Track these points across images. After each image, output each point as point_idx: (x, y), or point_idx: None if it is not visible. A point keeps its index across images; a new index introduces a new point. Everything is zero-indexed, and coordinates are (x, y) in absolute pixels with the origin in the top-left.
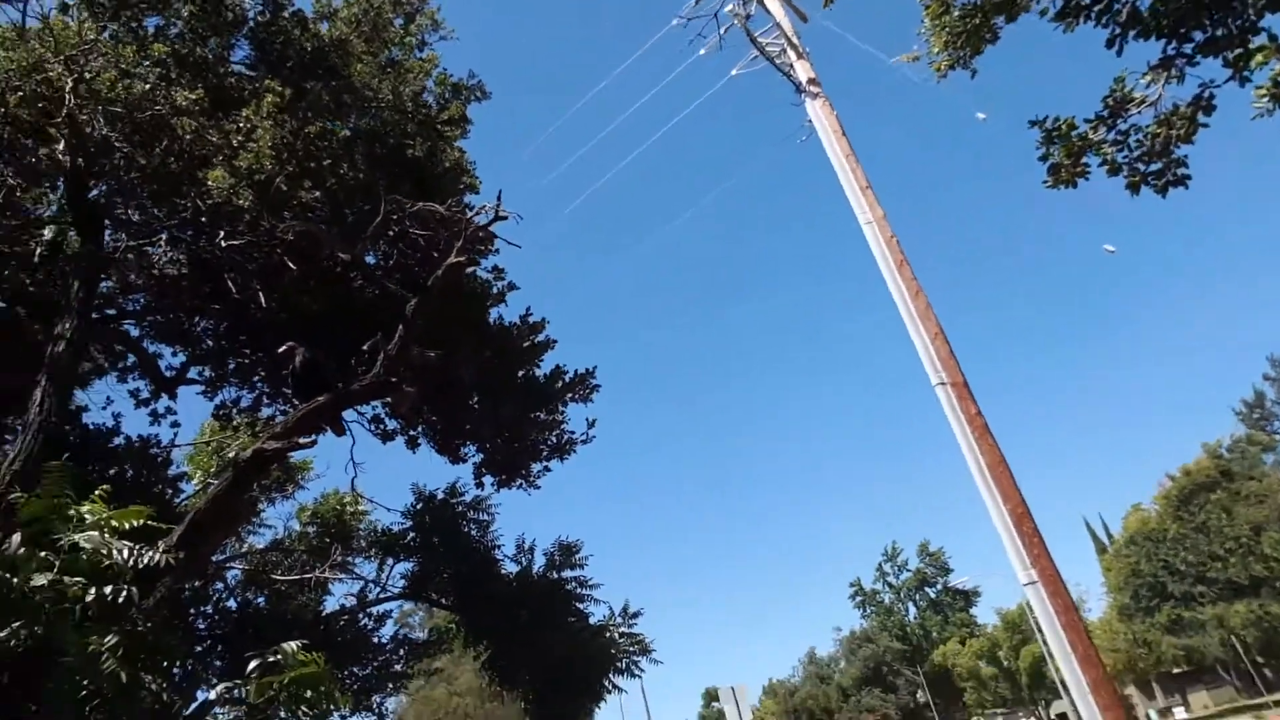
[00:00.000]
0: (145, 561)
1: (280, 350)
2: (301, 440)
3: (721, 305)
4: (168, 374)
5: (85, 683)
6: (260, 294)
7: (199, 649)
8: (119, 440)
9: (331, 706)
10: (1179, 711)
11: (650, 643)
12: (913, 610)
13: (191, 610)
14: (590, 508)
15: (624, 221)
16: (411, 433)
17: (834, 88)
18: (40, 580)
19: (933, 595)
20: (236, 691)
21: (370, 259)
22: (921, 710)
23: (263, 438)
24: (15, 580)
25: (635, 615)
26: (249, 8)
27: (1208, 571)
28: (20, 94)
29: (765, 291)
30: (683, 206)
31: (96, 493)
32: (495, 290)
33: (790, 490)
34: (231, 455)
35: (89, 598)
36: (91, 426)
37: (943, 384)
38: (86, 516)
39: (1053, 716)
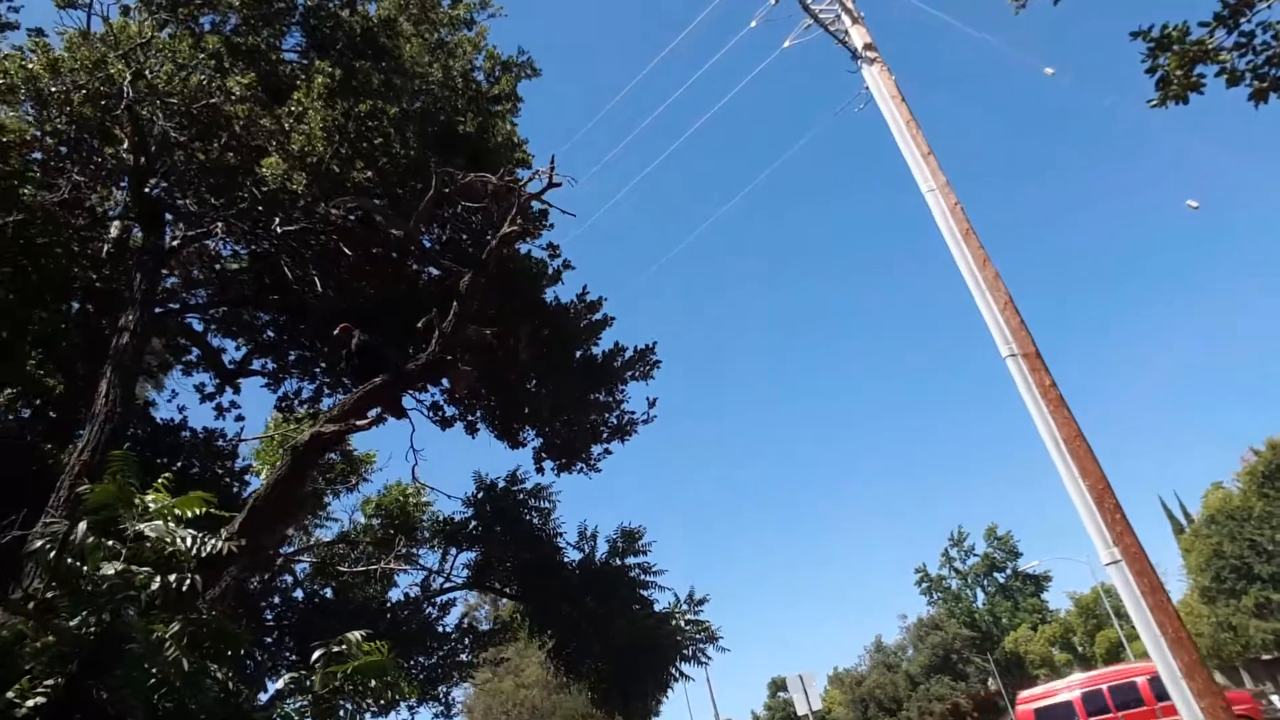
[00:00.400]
0: (208, 550)
1: (335, 332)
2: (358, 422)
3: (778, 281)
4: (230, 367)
5: (153, 671)
6: (316, 280)
7: (268, 640)
8: (185, 435)
9: (397, 696)
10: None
11: (717, 630)
12: (981, 596)
13: (260, 602)
14: (649, 492)
15: (681, 199)
16: (470, 418)
17: (890, 53)
18: (108, 569)
19: (1001, 580)
20: (302, 681)
21: (425, 242)
22: (993, 698)
23: (320, 421)
24: (85, 569)
25: (701, 602)
26: None
27: None
28: (84, 91)
29: (824, 265)
30: (741, 182)
31: (159, 481)
32: (551, 270)
33: (852, 473)
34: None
35: (154, 586)
36: (159, 421)
37: (1014, 355)
38: (150, 505)
39: None
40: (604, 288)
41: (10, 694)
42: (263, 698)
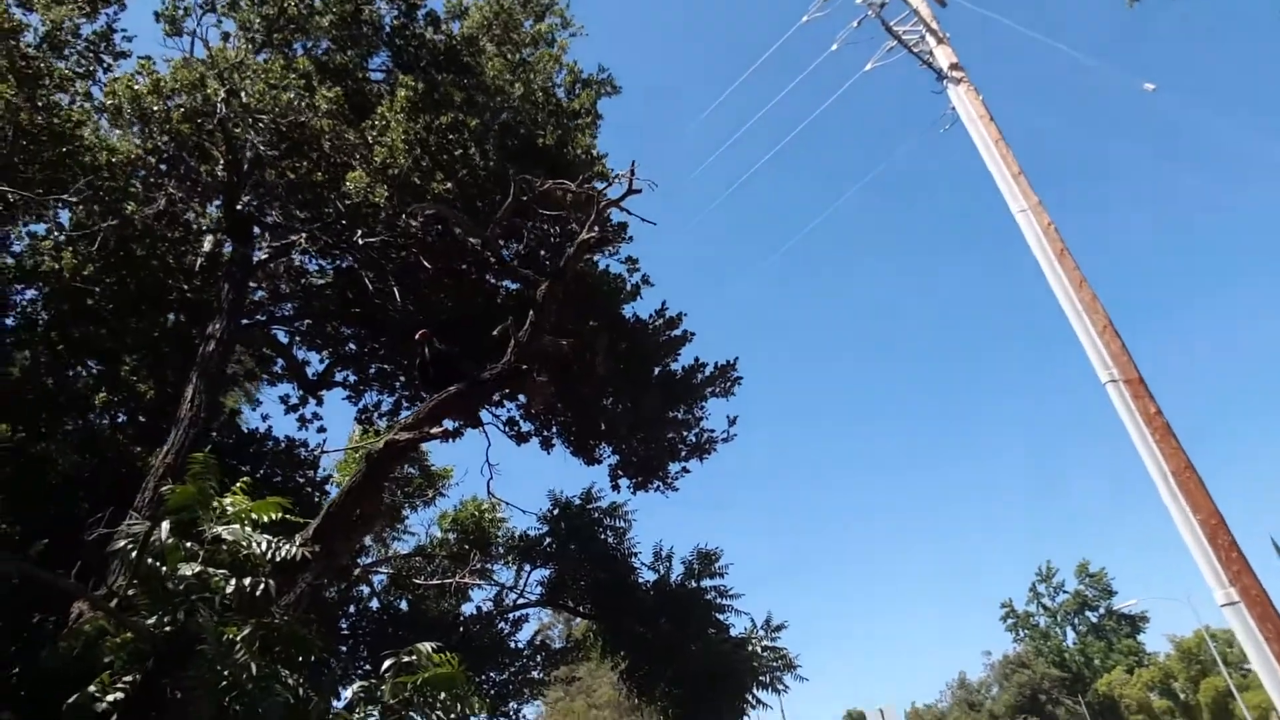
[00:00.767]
0: (282, 554)
1: (416, 336)
2: (431, 430)
3: (862, 302)
4: (313, 379)
5: (224, 673)
6: (396, 292)
7: (342, 649)
8: (269, 444)
9: (466, 710)
10: None
11: (795, 658)
12: (1071, 635)
13: (336, 611)
14: (726, 516)
15: (760, 223)
16: (545, 433)
17: (975, 73)
18: (186, 570)
19: (1094, 620)
20: (372, 691)
21: (504, 254)
22: None
23: (394, 429)
24: (164, 570)
25: (779, 628)
26: (384, 13)
27: None
28: (183, 110)
29: (912, 288)
30: (821, 206)
31: (238, 485)
32: (630, 285)
33: (938, 502)
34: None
35: (229, 589)
36: (244, 429)
37: (1114, 381)
38: (229, 508)
39: None
40: (682, 303)
41: (92, 688)
42: (337, 706)
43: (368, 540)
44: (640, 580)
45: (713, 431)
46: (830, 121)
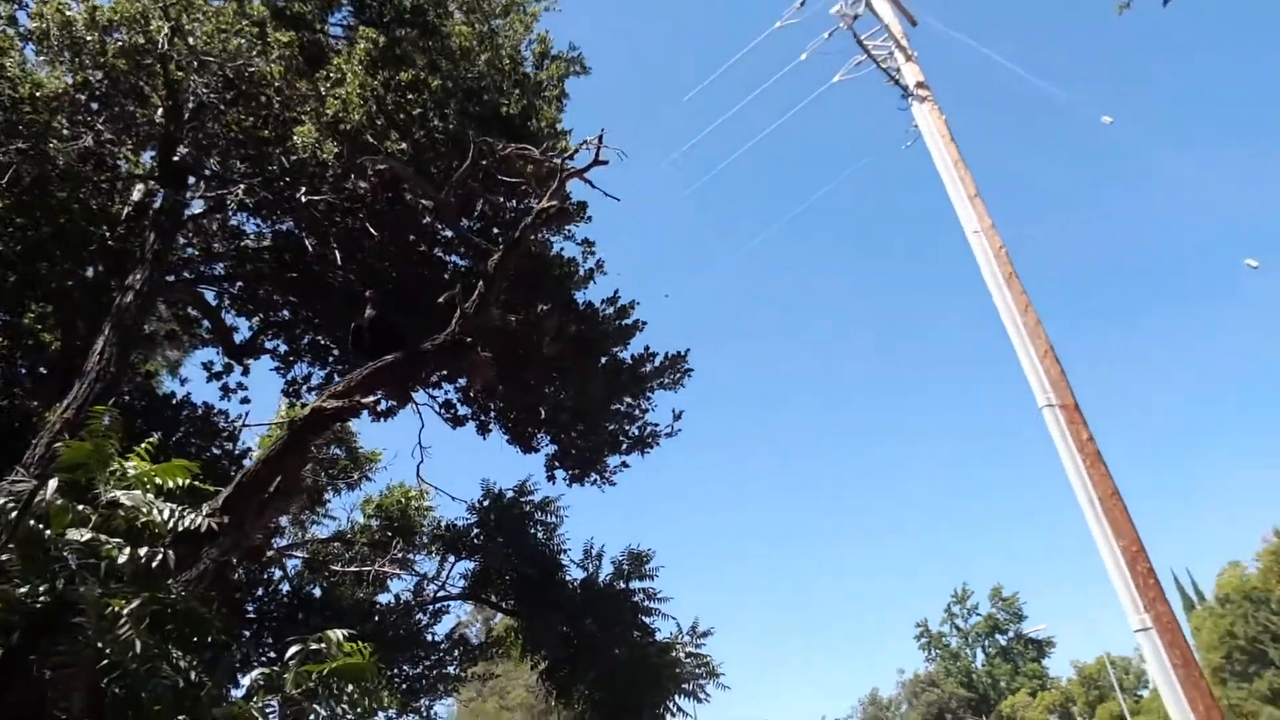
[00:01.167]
0: (186, 524)
1: (366, 295)
2: (363, 400)
3: (805, 319)
4: (240, 345)
5: (106, 650)
6: (337, 255)
7: (245, 633)
8: (185, 411)
9: (375, 704)
10: None
11: (718, 666)
12: (981, 657)
13: (243, 593)
14: (654, 515)
15: (713, 230)
16: (483, 418)
17: (941, 93)
18: (75, 536)
19: (1003, 642)
20: (274, 679)
21: (457, 225)
22: None
23: (323, 396)
24: (48, 533)
25: (705, 635)
26: None
27: None
28: (120, 43)
29: (861, 300)
30: (774, 216)
31: (142, 446)
32: (584, 270)
33: (861, 519)
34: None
35: (122, 559)
36: (160, 394)
37: (1051, 406)
38: (129, 471)
39: None
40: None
41: None
42: (235, 693)
43: (284, 521)
44: (568, 578)
45: (656, 425)
46: (797, 130)
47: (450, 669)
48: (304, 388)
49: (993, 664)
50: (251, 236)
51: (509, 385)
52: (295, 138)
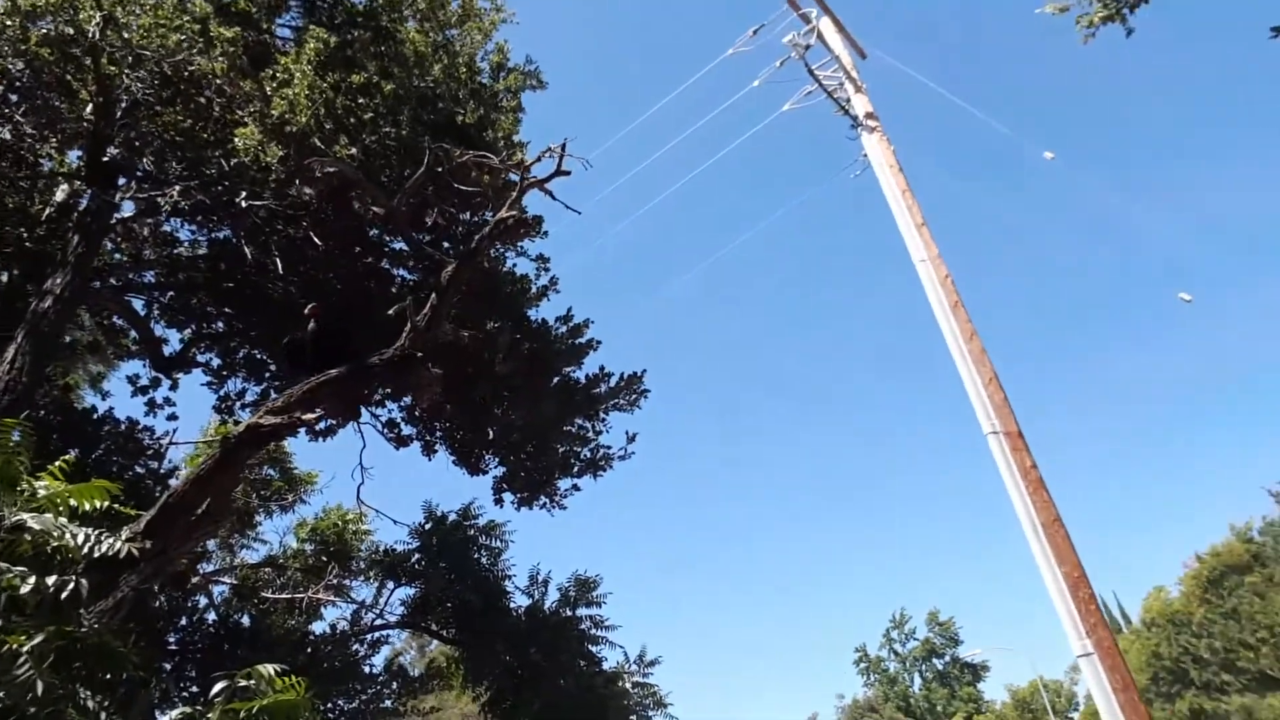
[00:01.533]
0: (102, 550)
1: (306, 310)
2: (304, 416)
3: (755, 342)
4: (169, 357)
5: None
6: (279, 264)
7: (166, 666)
8: (106, 427)
9: None
10: None
11: (666, 696)
12: (918, 681)
13: (165, 623)
14: (588, 539)
15: (663, 254)
16: (429, 438)
17: (888, 124)
18: None
19: (940, 667)
20: (197, 718)
21: (406, 241)
22: None
23: (259, 411)
24: None
25: (652, 664)
26: None
27: (1236, 660)
28: (46, 31)
29: (804, 324)
30: (724, 240)
31: (56, 464)
32: (537, 286)
33: (801, 544)
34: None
35: (25, 589)
36: (79, 408)
37: (995, 433)
38: (40, 491)
39: None
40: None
41: None
42: None
43: (211, 545)
44: (512, 605)
45: (609, 448)
46: (750, 156)
47: (388, 702)
48: (238, 404)
49: (930, 688)
50: (186, 244)
51: (457, 404)
52: (237, 140)
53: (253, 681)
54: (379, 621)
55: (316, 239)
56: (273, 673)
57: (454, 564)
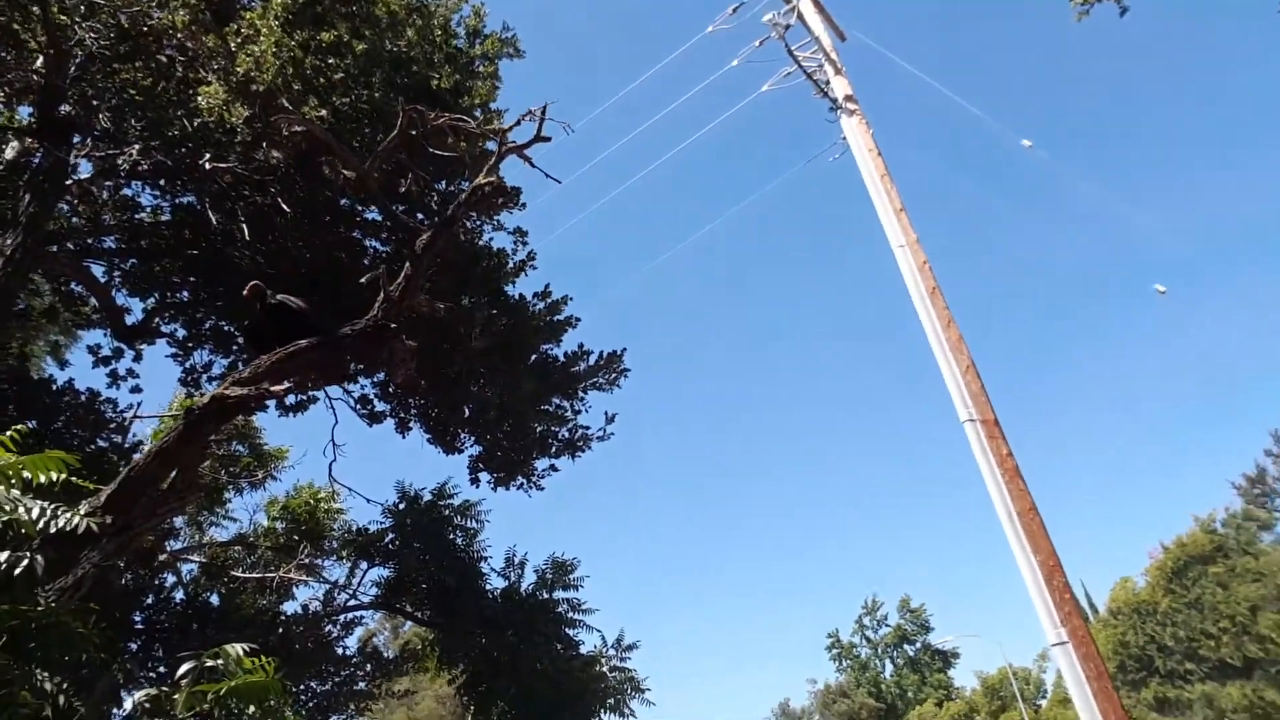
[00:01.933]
0: (59, 524)
1: (245, 292)
2: (273, 388)
3: (728, 324)
4: (132, 327)
5: None
6: (245, 230)
7: (131, 646)
8: (66, 399)
9: None
10: None
11: (643, 681)
12: (890, 667)
13: (129, 601)
14: (562, 521)
15: (637, 236)
16: (403, 415)
17: (868, 109)
18: None
19: (911, 653)
20: (162, 701)
21: (378, 211)
22: None
23: (226, 382)
24: None
25: (630, 648)
26: None
27: (1199, 648)
28: None
29: (785, 309)
30: (698, 224)
31: (8, 434)
32: (514, 261)
33: (776, 529)
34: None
35: None
36: (36, 378)
37: (972, 421)
38: None
39: None
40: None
41: None
42: (117, 717)
43: (179, 522)
44: (488, 587)
45: (588, 428)
46: (725, 137)
47: (361, 684)
48: (204, 377)
49: (901, 674)
50: (148, 210)
51: (432, 381)
52: (200, 99)
53: (221, 662)
54: (352, 602)
55: (285, 206)
56: (242, 653)
57: (429, 545)
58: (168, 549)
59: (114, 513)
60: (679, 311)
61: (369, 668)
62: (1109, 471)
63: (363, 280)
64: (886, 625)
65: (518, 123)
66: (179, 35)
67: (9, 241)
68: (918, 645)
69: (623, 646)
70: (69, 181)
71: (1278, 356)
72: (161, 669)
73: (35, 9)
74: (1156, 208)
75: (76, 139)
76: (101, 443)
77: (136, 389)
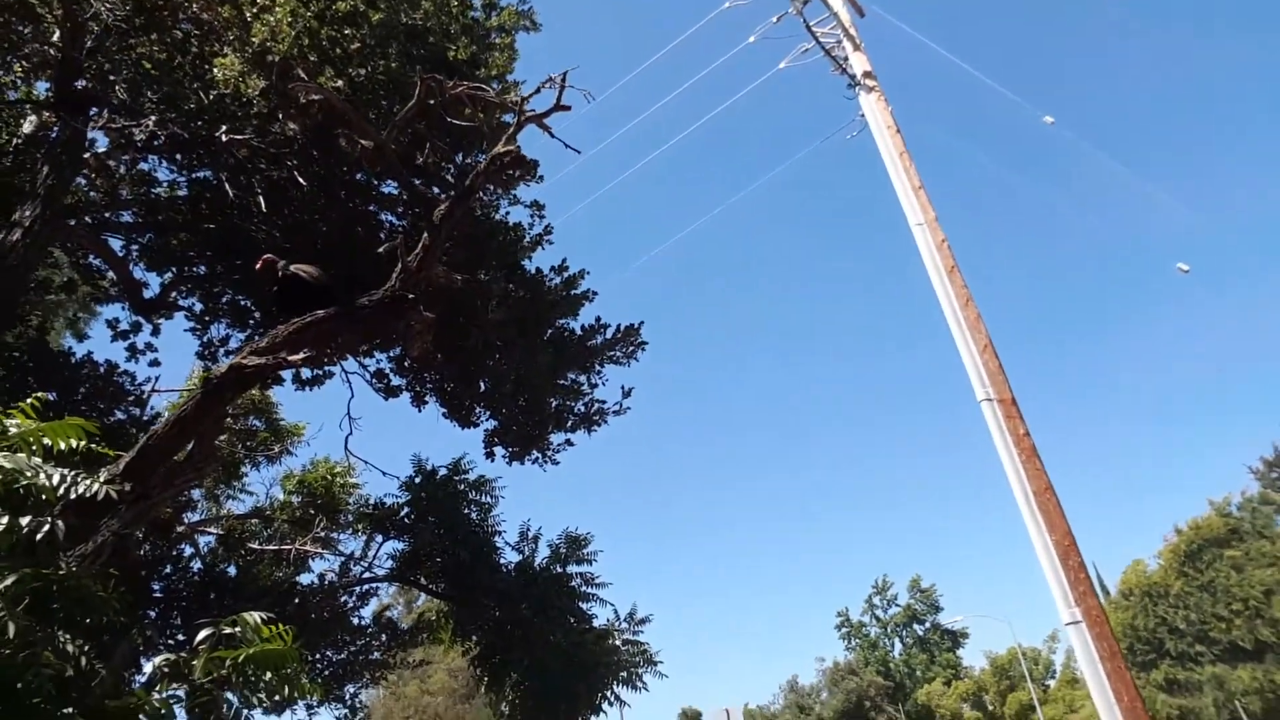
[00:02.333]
0: (79, 491)
1: (257, 266)
2: (290, 357)
3: (744, 301)
4: (150, 301)
5: None
6: (262, 202)
7: (151, 613)
8: (85, 371)
9: (295, 694)
10: None
11: (656, 654)
12: (899, 646)
13: (149, 571)
14: (579, 496)
15: (652, 213)
16: (419, 388)
17: (888, 83)
18: None
19: (920, 633)
20: (180, 666)
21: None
22: None
23: (243, 352)
24: None
25: (643, 622)
26: None
27: (1210, 631)
28: None
29: (799, 289)
30: (715, 201)
31: (28, 401)
32: (531, 235)
33: (788, 506)
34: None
35: None
36: (55, 350)
37: (989, 400)
38: (11, 429)
39: None
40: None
41: None
42: (135, 681)
43: (196, 494)
44: (502, 561)
45: (604, 402)
46: (743, 113)
47: (376, 654)
48: (221, 350)
49: (910, 654)
50: (165, 184)
51: (448, 354)
52: (215, 70)
53: (239, 629)
54: (367, 574)
55: (301, 179)
56: (260, 621)
57: (444, 519)
58: (186, 521)
59: (133, 481)
60: (695, 291)
61: (384, 638)
62: (1125, 454)
63: (380, 250)
64: (896, 605)
65: (537, 90)
66: (194, 7)
67: (27, 213)
68: (927, 625)
69: (635, 620)
70: (86, 155)
71: None
72: (180, 636)
73: None
74: (1180, 186)
75: (94, 111)
76: (120, 415)
77: (155, 362)
